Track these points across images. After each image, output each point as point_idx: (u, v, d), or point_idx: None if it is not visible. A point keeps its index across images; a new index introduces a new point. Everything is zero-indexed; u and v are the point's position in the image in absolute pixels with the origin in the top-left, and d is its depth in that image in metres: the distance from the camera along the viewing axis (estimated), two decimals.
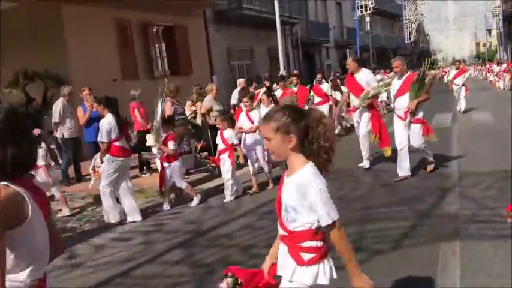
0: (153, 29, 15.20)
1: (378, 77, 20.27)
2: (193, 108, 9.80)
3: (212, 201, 7.42)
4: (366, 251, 4.58)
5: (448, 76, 18.17)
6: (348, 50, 34.30)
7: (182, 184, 7.24)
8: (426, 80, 7.21)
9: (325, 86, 12.99)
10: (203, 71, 16.76)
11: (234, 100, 11.74)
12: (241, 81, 11.96)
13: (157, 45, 15.46)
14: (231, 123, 7.56)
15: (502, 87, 24.78)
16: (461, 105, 15.37)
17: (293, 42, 25.53)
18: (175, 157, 7.15)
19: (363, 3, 31.31)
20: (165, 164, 7.11)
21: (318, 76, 13.35)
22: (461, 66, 16.50)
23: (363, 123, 8.17)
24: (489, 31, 64.06)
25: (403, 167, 7.25)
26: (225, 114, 7.80)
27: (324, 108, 11.98)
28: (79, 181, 9.02)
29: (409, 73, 7.66)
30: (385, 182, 7.22)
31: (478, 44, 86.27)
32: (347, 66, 8.36)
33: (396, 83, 7.51)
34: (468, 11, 48.16)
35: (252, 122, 7.58)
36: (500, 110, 15.35)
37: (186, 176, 8.63)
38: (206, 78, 15.56)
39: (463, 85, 15.54)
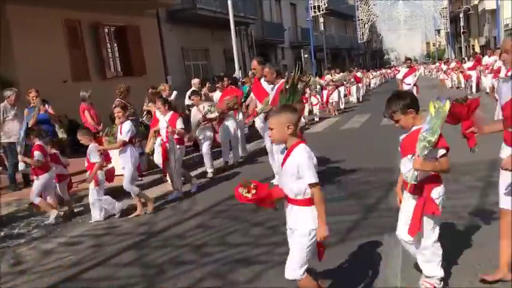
0: (105, 29, 14.93)
1: (328, 77, 20.65)
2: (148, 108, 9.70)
3: (165, 202, 7.38)
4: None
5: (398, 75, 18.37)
6: (302, 51, 34.78)
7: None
8: (298, 87, 6.29)
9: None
10: (157, 72, 16.59)
11: (188, 101, 11.68)
12: (195, 82, 11.86)
13: (109, 45, 15.19)
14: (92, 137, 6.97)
15: (450, 86, 25.79)
16: None
17: (248, 43, 25.65)
18: (44, 169, 6.64)
19: (316, 4, 31.78)
20: (34, 177, 6.69)
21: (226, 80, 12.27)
22: (412, 65, 16.25)
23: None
24: (438, 31, 66.56)
25: None
26: (83, 130, 7.10)
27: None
28: (27, 186, 8.75)
29: (281, 81, 7.00)
30: (335, 178, 7.40)
31: (428, 43, 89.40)
32: (252, 69, 7.57)
33: (271, 93, 7.00)
34: (418, 11, 49.79)
35: (174, 126, 7.23)
36: None
37: (140, 178, 8.55)
38: (161, 79, 15.41)
39: (414, 85, 15.27)
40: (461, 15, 45.09)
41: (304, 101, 14.75)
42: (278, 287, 3.60)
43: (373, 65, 58.56)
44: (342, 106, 19.77)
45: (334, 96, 18.93)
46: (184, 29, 18.90)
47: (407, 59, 16.89)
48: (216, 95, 10.45)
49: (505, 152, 3.51)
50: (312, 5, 31.87)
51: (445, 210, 5.12)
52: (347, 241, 4.68)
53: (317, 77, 22.05)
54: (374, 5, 45.21)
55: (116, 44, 15.46)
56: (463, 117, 3.53)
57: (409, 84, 15.11)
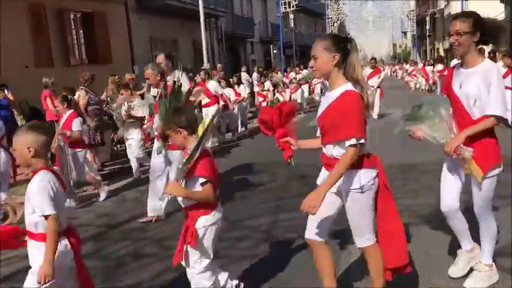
0: (70, 15, 14.52)
1: (292, 75, 20.34)
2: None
3: (128, 194, 7.27)
4: (277, 240, 4.74)
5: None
6: (271, 46, 34.82)
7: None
8: (183, 95, 5.14)
9: (212, 84, 10.65)
10: (124, 60, 16.29)
11: (153, 92, 11.48)
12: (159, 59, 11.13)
13: (74, 32, 14.79)
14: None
15: (413, 87, 26.38)
16: (375, 111, 13.86)
17: (218, 35, 25.49)
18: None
19: (287, 0, 31.87)
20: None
21: (202, 73, 11.50)
22: (376, 66, 14.92)
23: None
24: (404, 33, 67.97)
25: None
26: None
27: (210, 110, 10.19)
28: None
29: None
30: (301, 174, 7.45)
31: (394, 45, 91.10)
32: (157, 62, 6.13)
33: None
34: (386, 13, 50.65)
35: (69, 128, 6.58)
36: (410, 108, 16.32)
37: (101, 169, 8.40)
38: (127, 68, 15.14)
39: (378, 87, 14.19)
40: (427, 18, 46.17)
41: (262, 98, 14.67)
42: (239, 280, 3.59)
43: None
44: (305, 105, 18.76)
45: (297, 96, 17.94)
46: (153, 18, 18.59)
47: (371, 59, 15.64)
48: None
49: (322, 176, 3.14)
50: (283, 1, 31.92)
51: (405, 209, 5.27)
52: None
53: (279, 74, 21.14)
54: (344, 4, 45.64)
55: (81, 31, 15.07)
56: (275, 123, 3.20)
57: (373, 87, 13.86)
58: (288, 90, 17.31)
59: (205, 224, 3.08)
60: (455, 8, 32.54)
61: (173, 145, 5.14)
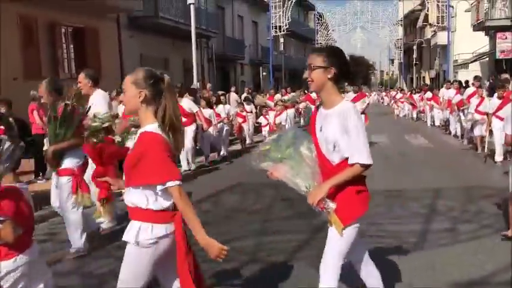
0: (62, 29, 14.53)
1: (278, 96, 19.33)
2: None
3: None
4: (261, 263, 4.71)
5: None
6: (261, 68, 35.13)
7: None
8: (75, 118, 4.76)
9: (186, 102, 10.02)
10: (113, 76, 16.24)
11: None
12: None
13: (65, 46, 14.78)
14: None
15: (397, 114, 26.70)
16: None
17: (209, 55, 25.66)
18: None
19: (278, 24, 32.29)
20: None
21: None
22: (360, 90, 14.30)
23: None
24: (392, 61, 69.10)
25: None
26: None
27: (189, 130, 9.76)
28: None
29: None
30: (285, 196, 7.45)
31: (382, 72, 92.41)
32: (79, 84, 5.72)
33: None
34: (374, 41, 51.57)
35: None
36: (396, 135, 16.56)
37: None
38: (116, 84, 15.10)
39: (362, 113, 13.23)
40: (414, 47, 47.07)
41: (242, 119, 14.22)
42: None
43: None
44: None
45: (282, 118, 16.42)
46: (144, 36, 18.68)
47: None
48: None
49: None
50: (274, 25, 32.34)
51: (390, 236, 5.30)
52: (292, 260, 4.71)
53: (262, 95, 20.43)
54: (333, 30, 46.34)
55: (72, 45, 15.06)
56: (94, 161, 2.95)
57: None
58: (272, 113, 16.38)
59: (6, 270, 2.72)
60: (442, 38, 33.30)
61: (63, 171, 4.81)
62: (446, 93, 15.77)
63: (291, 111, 17.82)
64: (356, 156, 2.77)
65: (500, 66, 23.30)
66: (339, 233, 2.84)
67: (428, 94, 20.31)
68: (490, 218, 5.79)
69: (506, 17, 22.93)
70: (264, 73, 34.96)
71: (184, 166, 9.75)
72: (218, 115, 11.94)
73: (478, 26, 25.16)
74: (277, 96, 19.58)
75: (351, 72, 2.91)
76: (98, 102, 5.40)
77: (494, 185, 7.37)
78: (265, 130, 15.52)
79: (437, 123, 18.40)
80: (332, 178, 2.82)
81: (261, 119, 15.82)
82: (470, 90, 12.78)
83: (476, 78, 12.91)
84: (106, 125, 4.95)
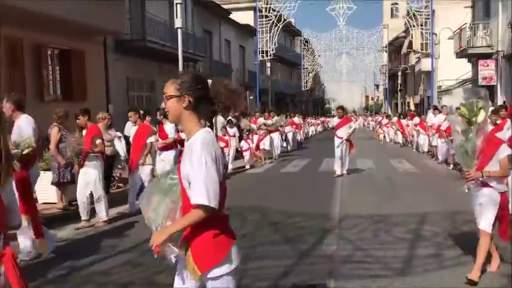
0: (48, 51, 14.47)
1: (261, 120, 18.68)
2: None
3: (95, 235, 7.04)
4: None
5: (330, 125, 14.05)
6: (248, 92, 35.33)
7: None
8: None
9: (169, 127, 9.53)
10: (99, 99, 16.17)
11: (127, 132, 11.35)
12: (131, 114, 9.58)
13: (50, 67, 14.70)
14: None
15: (382, 139, 26.87)
16: (345, 166, 12.35)
17: None
18: None
19: (264, 49, 32.66)
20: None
21: (158, 114, 10.76)
22: (345, 115, 13.10)
23: None
24: (377, 86, 70.15)
25: None
26: None
27: (169, 157, 9.26)
28: None
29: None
30: (272, 221, 7.38)
31: (367, 97, 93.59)
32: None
33: None
34: (359, 66, 52.38)
35: None
36: (382, 160, 16.64)
37: (68, 207, 8.16)
38: (102, 106, 15.01)
39: (347, 140, 12.12)
40: (399, 73, 47.86)
41: (225, 144, 13.92)
42: None
43: (315, 112, 60.48)
44: (276, 153, 17.49)
45: (266, 143, 16.57)
46: (131, 59, 18.69)
47: (338, 108, 13.34)
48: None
49: None
50: (261, 50, 32.69)
51: (375, 261, 5.25)
52: (278, 287, 4.64)
53: (248, 119, 19.51)
54: (319, 55, 47.08)
55: (58, 67, 14.98)
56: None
57: (341, 138, 12.06)
58: (256, 137, 16.11)
59: None
60: (426, 64, 33.94)
61: None
62: (434, 119, 15.62)
63: (275, 135, 17.49)
64: (195, 198, 2.42)
65: None
66: (195, 281, 2.55)
67: (416, 120, 20.17)
68: (474, 244, 5.78)
69: (487, 44, 23.47)
70: (251, 97, 35.15)
71: None
72: None
73: (460, 54, 25.69)
74: (260, 120, 18.93)
75: (211, 99, 2.59)
76: (22, 128, 5.38)
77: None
78: (246, 155, 15.18)
79: (424, 149, 18.18)
80: (176, 222, 2.55)
81: (243, 143, 15.41)
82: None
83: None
84: (26, 152, 4.98)
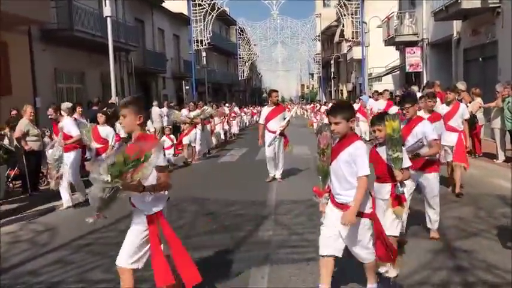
0: None
1: (184, 112, 15.67)
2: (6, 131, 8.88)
3: (23, 234, 6.72)
4: None
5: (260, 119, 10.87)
6: (184, 82, 34.89)
7: None
8: None
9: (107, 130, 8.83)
10: (25, 92, 15.35)
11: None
12: (67, 106, 10.04)
13: None
14: None
15: (315, 127, 27.42)
16: (278, 167, 10.26)
17: (128, 69, 25.05)
18: None
19: (199, 38, 32.28)
20: None
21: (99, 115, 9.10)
22: (278, 103, 10.53)
23: None
24: (312, 75, 71.51)
25: None
26: None
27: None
28: None
29: None
30: (209, 211, 7.37)
31: (303, 85, 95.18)
32: None
33: None
34: (294, 55, 53.10)
35: None
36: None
37: None
38: (28, 100, 14.26)
39: (281, 134, 9.97)
40: (332, 61, 49.06)
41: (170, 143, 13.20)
42: None
43: (253, 102, 60.80)
44: (197, 149, 14.23)
45: (191, 138, 13.92)
46: (59, 49, 17.84)
47: (271, 90, 10.81)
48: None
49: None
50: (195, 39, 32.28)
51: (310, 245, 5.38)
52: (215, 276, 4.64)
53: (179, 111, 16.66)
54: (255, 45, 47.18)
55: None
56: None
57: (274, 132, 9.90)
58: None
59: None
60: (357, 53, 35.02)
61: None
62: (374, 103, 15.33)
63: (205, 128, 14.88)
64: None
65: (410, 78, 24.84)
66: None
67: (355, 106, 20.34)
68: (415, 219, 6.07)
69: (413, 33, 24.54)
70: (187, 87, 34.74)
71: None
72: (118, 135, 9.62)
73: (389, 42, 26.68)
74: (183, 111, 15.57)
75: None
76: None
77: None
78: (169, 153, 12.37)
79: (367, 137, 16.09)
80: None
81: (165, 139, 12.88)
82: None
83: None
84: None
